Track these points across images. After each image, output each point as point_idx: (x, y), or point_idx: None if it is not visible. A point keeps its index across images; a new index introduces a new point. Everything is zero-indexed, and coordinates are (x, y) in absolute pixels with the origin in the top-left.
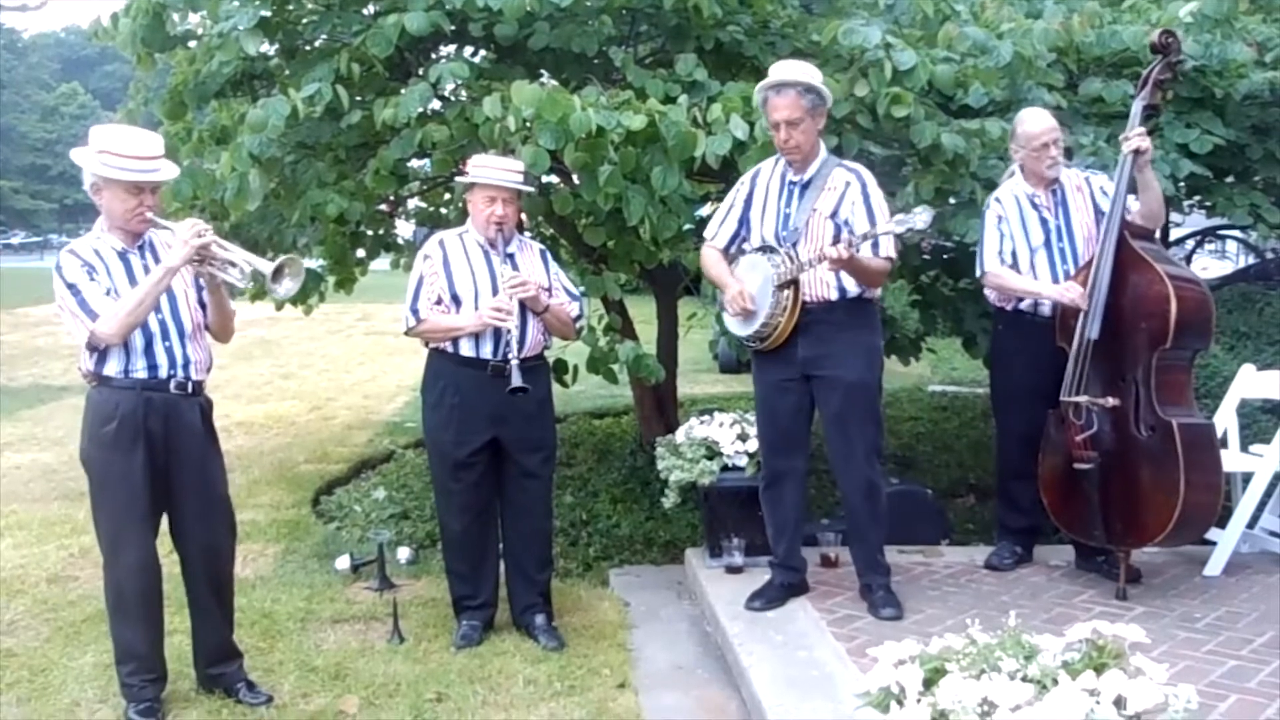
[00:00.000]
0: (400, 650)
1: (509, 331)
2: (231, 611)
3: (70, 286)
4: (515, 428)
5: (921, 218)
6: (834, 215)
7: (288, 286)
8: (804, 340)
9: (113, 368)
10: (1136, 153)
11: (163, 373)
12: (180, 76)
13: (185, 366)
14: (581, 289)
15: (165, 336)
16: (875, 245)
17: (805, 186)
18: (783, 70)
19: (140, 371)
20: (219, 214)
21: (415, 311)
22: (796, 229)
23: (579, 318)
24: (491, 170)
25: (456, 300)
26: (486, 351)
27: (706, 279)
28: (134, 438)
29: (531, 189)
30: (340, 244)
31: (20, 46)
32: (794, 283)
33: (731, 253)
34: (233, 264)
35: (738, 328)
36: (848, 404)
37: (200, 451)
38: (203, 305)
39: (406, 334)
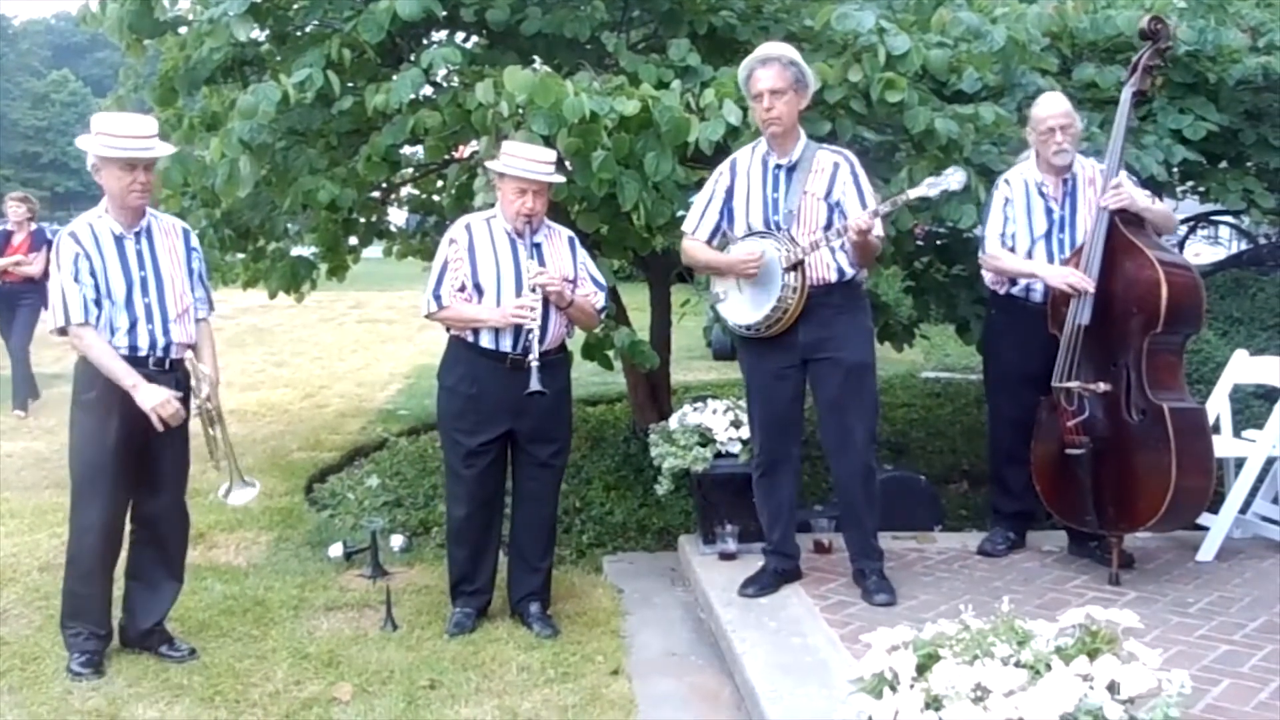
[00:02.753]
0: (393, 637)
1: (530, 332)
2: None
3: (59, 275)
4: (532, 421)
5: (955, 178)
6: (827, 197)
7: (236, 496)
8: (805, 325)
9: None
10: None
11: (142, 352)
12: (170, 63)
13: (166, 348)
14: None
15: (149, 319)
16: None
17: (792, 170)
18: (767, 48)
19: (122, 350)
20: (210, 201)
21: (438, 297)
22: (790, 212)
23: (603, 308)
24: (522, 161)
25: (479, 289)
26: (506, 345)
27: (696, 269)
28: (109, 405)
29: (563, 179)
30: (332, 231)
31: (10, 33)
32: (799, 265)
33: (715, 245)
34: (217, 446)
35: (744, 315)
36: (848, 386)
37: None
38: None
39: (427, 318)
